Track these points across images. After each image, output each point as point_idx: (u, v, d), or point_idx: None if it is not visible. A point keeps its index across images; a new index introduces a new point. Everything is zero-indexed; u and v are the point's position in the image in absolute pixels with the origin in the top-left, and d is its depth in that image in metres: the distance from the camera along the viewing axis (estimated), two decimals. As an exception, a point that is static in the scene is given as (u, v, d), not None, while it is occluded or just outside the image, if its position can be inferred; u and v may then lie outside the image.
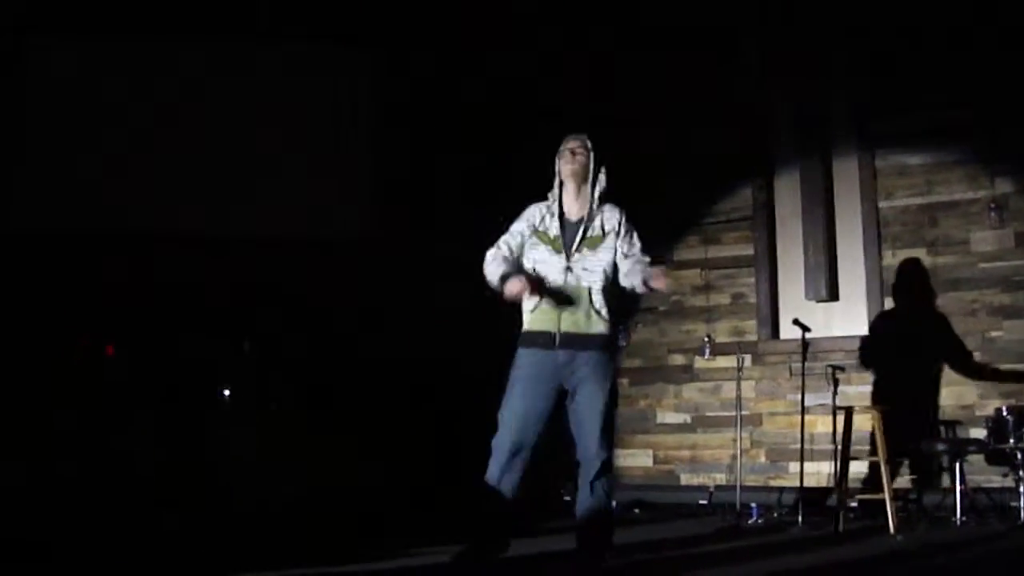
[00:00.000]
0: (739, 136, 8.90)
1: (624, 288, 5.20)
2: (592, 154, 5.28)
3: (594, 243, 5.17)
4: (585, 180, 5.26)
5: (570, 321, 5.07)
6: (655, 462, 8.84)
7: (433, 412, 8.24)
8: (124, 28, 8.59)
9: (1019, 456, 6.74)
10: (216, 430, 8.05)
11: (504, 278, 5.07)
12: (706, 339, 8.71)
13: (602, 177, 5.28)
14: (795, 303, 8.46)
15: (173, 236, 8.30)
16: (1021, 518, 6.58)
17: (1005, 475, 7.01)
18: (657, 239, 8.84)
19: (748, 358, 8.36)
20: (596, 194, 5.26)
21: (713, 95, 8.97)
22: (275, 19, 8.78)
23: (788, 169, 8.74)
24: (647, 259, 5.15)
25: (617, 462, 8.69)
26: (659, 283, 4.96)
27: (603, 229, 5.20)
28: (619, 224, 5.23)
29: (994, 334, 7.85)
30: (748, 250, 8.84)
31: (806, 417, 7.44)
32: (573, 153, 5.25)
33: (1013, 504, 6.72)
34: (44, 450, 7.43)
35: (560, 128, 5.48)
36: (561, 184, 5.31)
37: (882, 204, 8.37)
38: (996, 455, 7.04)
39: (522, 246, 5.28)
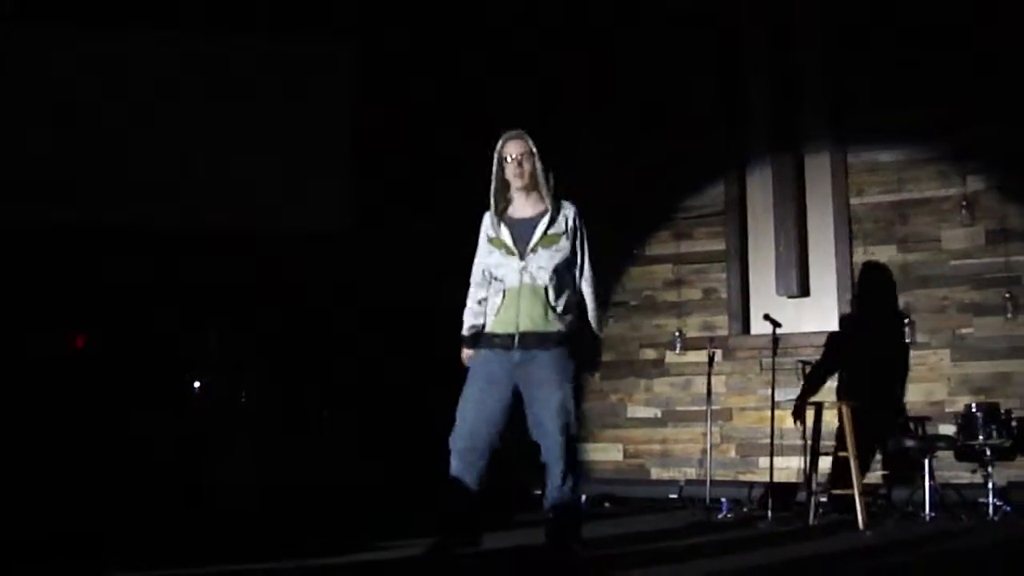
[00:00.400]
0: (712, 131, 8.90)
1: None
2: (537, 154, 5.21)
3: (549, 242, 5.14)
4: (535, 185, 5.22)
5: (528, 320, 5.05)
6: (625, 456, 8.83)
7: (409, 401, 8.21)
8: (99, 20, 8.54)
9: (988, 453, 6.79)
10: (188, 422, 8.01)
11: (465, 340, 5.28)
12: (677, 334, 8.74)
13: (551, 176, 5.23)
14: (766, 298, 8.46)
15: (147, 228, 8.27)
16: (990, 514, 6.62)
17: (974, 471, 7.07)
18: (629, 233, 8.96)
19: (719, 353, 8.34)
20: (546, 194, 5.21)
21: (687, 90, 8.98)
22: (255, 11, 8.76)
23: (760, 165, 8.74)
24: (593, 306, 5.25)
25: (587, 456, 8.77)
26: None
27: (558, 227, 5.18)
28: (572, 222, 5.22)
29: (964, 331, 7.89)
30: (720, 245, 8.84)
31: (776, 412, 7.45)
32: (519, 163, 5.16)
33: (982, 500, 6.77)
34: (18, 445, 7.37)
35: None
36: (507, 186, 5.26)
37: (853, 201, 8.38)
38: (965, 451, 7.10)
39: (486, 254, 5.29)
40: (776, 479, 7.32)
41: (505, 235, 5.18)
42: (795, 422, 7.37)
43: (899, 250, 8.16)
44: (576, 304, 5.19)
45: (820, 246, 8.44)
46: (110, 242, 8.21)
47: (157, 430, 7.88)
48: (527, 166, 5.17)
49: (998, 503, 6.67)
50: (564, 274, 5.15)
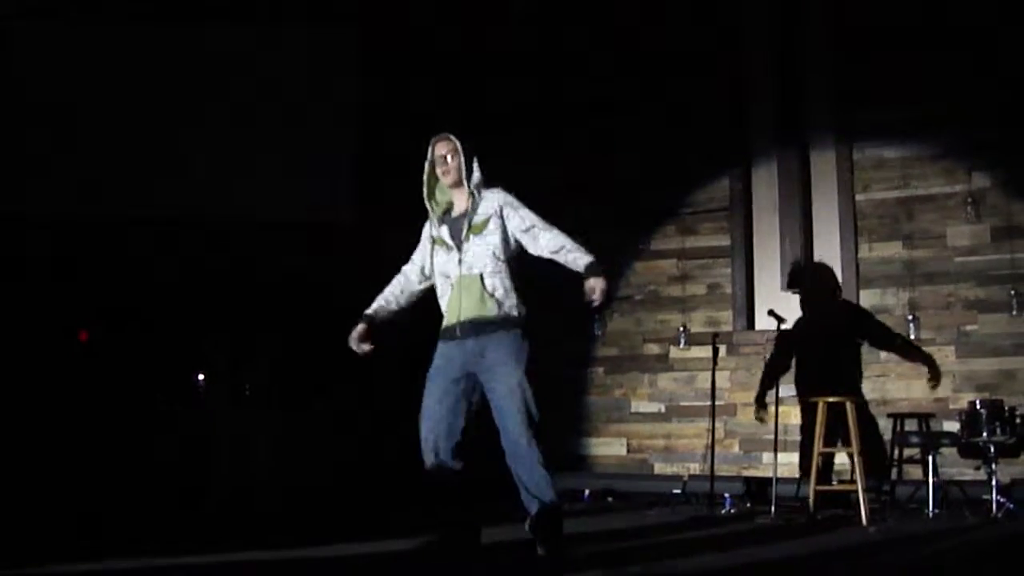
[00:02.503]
0: (717, 127, 8.89)
1: (549, 258, 5.18)
2: (462, 150, 5.26)
3: (478, 229, 5.20)
4: (462, 180, 5.26)
5: (468, 309, 5.12)
6: (629, 451, 8.83)
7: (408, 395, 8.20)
8: (95, 11, 8.54)
9: (991, 450, 6.77)
10: (193, 416, 8.02)
11: (362, 318, 5.52)
12: (681, 329, 8.74)
13: (475, 168, 5.26)
14: (771, 294, 8.45)
15: (147, 220, 8.27)
16: (993, 511, 6.61)
17: (977, 468, 7.04)
18: (634, 228, 8.96)
19: (723, 348, 8.35)
20: (472, 186, 5.25)
21: (692, 86, 8.97)
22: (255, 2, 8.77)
23: (766, 161, 8.74)
24: (571, 245, 5.13)
25: (591, 450, 8.78)
26: (596, 295, 4.97)
27: (484, 214, 5.22)
28: (499, 206, 5.23)
29: (969, 328, 7.88)
30: (725, 241, 8.84)
31: (780, 408, 7.45)
32: (445, 160, 5.24)
33: (985, 497, 6.75)
34: (21, 438, 7.38)
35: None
36: (437, 183, 5.34)
37: (859, 197, 8.38)
38: (969, 448, 7.08)
39: (429, 254, 5.38)
40: (780, 474, 7.31)
41: (444, 233, 5.29)
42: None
43: (904, 246, 8.15)
44: (515, 287, 5.18)
45: (825, 242, 8.43)
46: (110, 236, 8.21)
47: (159, 424, 7.89)
48: (452, 162, 5.25)
49: (1001, 500, 6.65)
50: (498, 258, 5.18)
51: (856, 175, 8.40)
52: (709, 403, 7.79)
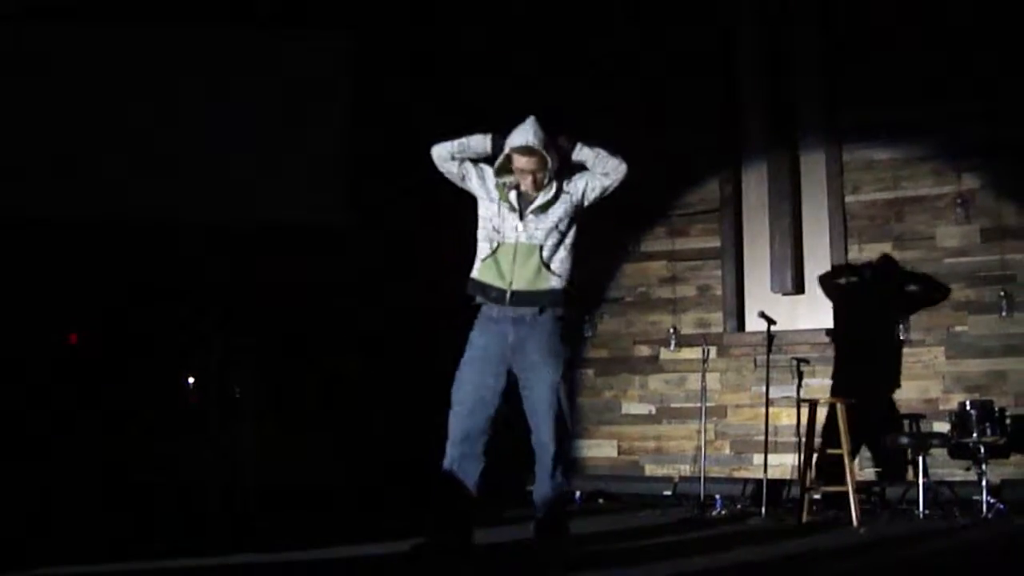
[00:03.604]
0: (707, 129, 8.89)
1: (603, 184, 5.30)
2: (551, 161, 5.19)
3: (547, 206, 5.19)
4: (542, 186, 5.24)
5: (521, 278, 5.10)
6: (620, 453, 8.82)
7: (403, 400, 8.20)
8: (90, 16, 8.53)
9: (982, 450, 6.78)
10: (182, 419, 8.00)
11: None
12: (672, 331, 8.73)
13: (549, 174, 5.23)
14: (761, 296, 8.44)
15: (142, 224, 8.27)
16: (983, 512, 6.61)
17: (968, 469, 7.06)
18: (624, 230, 8.95)
19: (713, 350, 8.35)
20: (552, 184, 5.23)
21: (683, 88, 8.97)
22: (250, 5, 8.75)
23: (755, 162, 8.73)
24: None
25: (581, 452, 8.76)
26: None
27: (552, 196, 5.22)
28: (567, 183, 5.26)
29: (959, 329, 7.88)
30: (715, 242, 8.83)
31: (771, 409, 7.46)
32: (534, 177, 5.16)
33: (975, 498, 6.75)
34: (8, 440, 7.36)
35: (532, 110, 5.39)
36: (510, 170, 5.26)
37: (849, 198, 8.37)
38: (959, 449, 7.11)
39: (472, 175, 5.30)
40: (770, 476, 7.31)
41: (512, 195, 5.21)
42: None
43: (894, 247, 8.15)
44: (569, 264, 5.21)
45: (815, 243, 8.42)
46: (104, 238, 8.19)
47: (150, 427, 7.87)
48: (540, 179, 5.19)
49: (991, 501, 6.67)
50: (561, 230, 5.20)
51: (846, 176, 8.40)
52: (700, 405, 7.79)
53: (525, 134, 5.11)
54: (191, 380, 8.19)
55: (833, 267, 8.30)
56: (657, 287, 8.97)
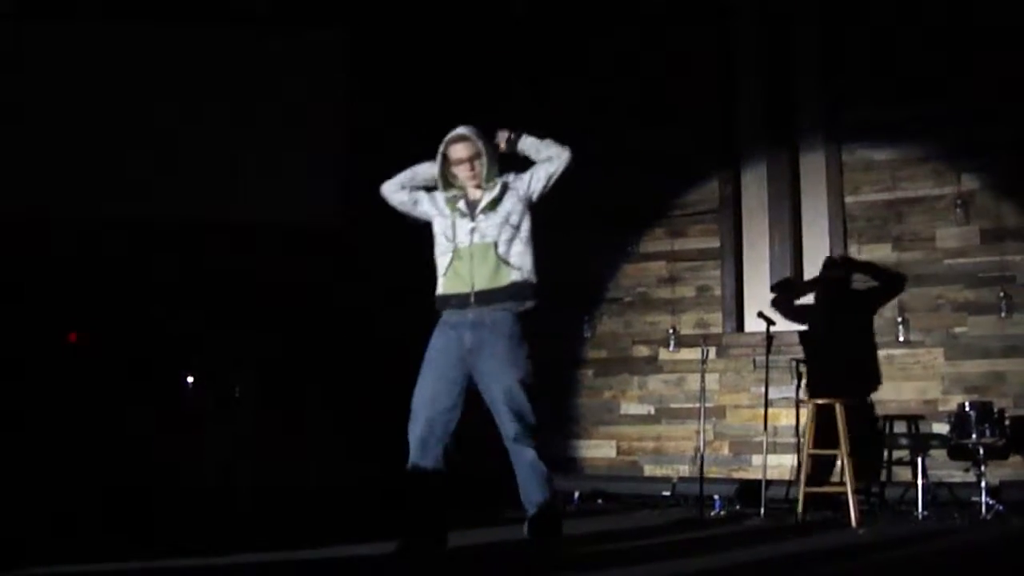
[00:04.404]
0: (707, 129, 8.89)
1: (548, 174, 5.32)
2: (485, 149, 5.26)
3: (495, 203, 5.23)
4: (486, 178, 5.29)
5: (482, 278, 5.12)
6: (619, 453, 8.81)
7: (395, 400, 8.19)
8: (88, 15, 8.53)
9: (981, 451, 6.78)
10: (180, 419, 8.00)
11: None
12: (671, 331, 8.73)
13: (496, 165, 5.30)
14: (760, 296, 8.44)
15: (139, 223, 8.26)
16: (982, 513, 6.61)
17: (967, 470, 7.06)
18: (623, 230, 8.95)
19: (713, 350, 8.35)
20: (496, 181, 5.28)
21: (682, 87, 8.97)
22: (247, 2, 8.75)
23: (755, 163, 8.73)
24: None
25: (580, 453, 8.77)
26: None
27: (499, 192, 5.25)
28: (513, 182, 5.29)
29: (958, 330, 7.87)
30: (714, 243, 8.82)
31: (770, 410, 7.46)
32: (471, 165, 5.24)
33: (974, 499, 6.75)
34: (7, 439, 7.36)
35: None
36: (449, 181, 5.33)
37: (848, 199, 8.36)
38: (958, 450, 7.11)
39: (423, 198, 5.41)
40: (769, 476, 7.31)
41: (460, 203, 5.28)
42: None
43: (894, 248, 8.15)
44: (529, 257, 5.22)
45: (815, 244, 8.42)
46: (102, 237, 8.19)
47: (149, 426, 7.86)
48: (479, 167, 5.25)
49: (991, 502, 6.66)
50: (513, 224, 5.22)
51: (845, 177, 8.39)
52: (699, 405, 7.79)
53: (456, 128, 5.28)
54: (190, 380, 8.18)
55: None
56: (656, 287, 8.97)
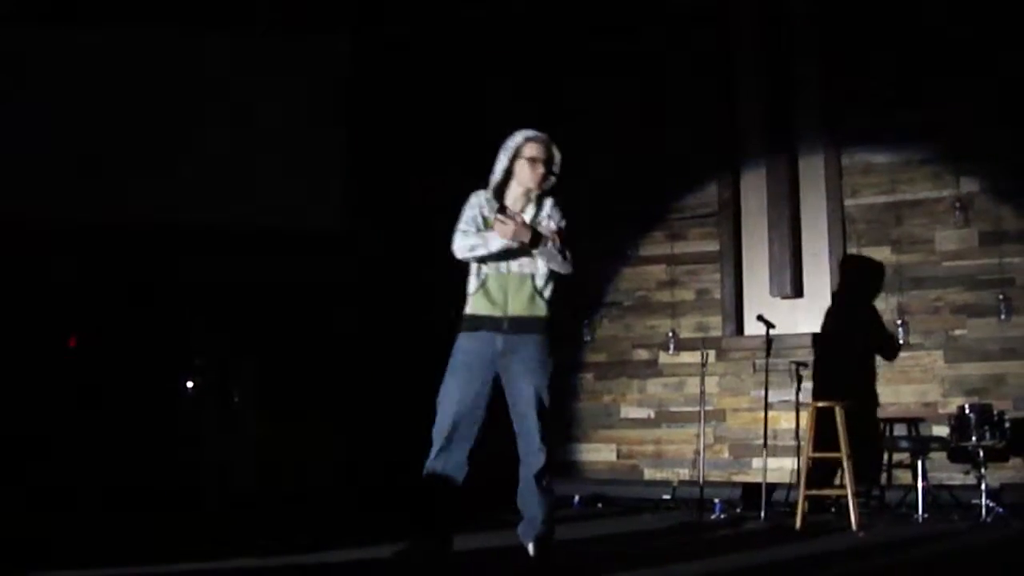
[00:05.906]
0: (706, 131, 8.90)
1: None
2: (555, 162, 5.24)
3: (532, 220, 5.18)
4: (541, 187, 5.25)
5: (517, 305, 5.09)
6: (618, 457, 8.81)
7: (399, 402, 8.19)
8: (88, 18, 8.53)
9: (981, 454, 6.77)
10: (181, 421, 7.99)
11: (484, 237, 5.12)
12: (671, 334, 8.73)
13: (553, 180, 5.26)
14: (760, 299, 8.45)
15: (139, 226, 8.26)
16: (982, 515, 6.61)
17: (967, 473, 7.07)
18: (623, 234, 8.95)
19: (712, 354, 8.35)
20: (544, 196, 5.25)
21: (682, 91, 8.97)
22: (249, 7, 8.76)
23: (754, 166, 8.74)
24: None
25: (580, 456, 8.77)
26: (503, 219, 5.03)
27: (543, 219, 5.21)
28: (547, 214, 5.24)
29: (957, 332, 7.88)
30: (713, 246, 8.83)
31: (770, 413, 7.45)
32: (535, 163, 5.19)
33: (974, 501, 6.75)
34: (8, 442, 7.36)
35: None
36: (508, 178, 5.26)
37: (848, 202, 8.37)
38: (958, 453, 7.11)
39: (482, 228, 5.23)
40: (769, 480, 7.31)
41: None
42: None
43: (893, 251, 8.15)
44: (555, 288, 5.20)
45: (814, 247, 8.43)
46: (101, 240, 8.18)
47: (148, 430, 7.86)
48: (542, 171, 5.21)
49: (991, 504, 6.66)
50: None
51: (845, 180, 8.40)
52: (698, 409, 7.79)
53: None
54: (190, 382, 8.18)
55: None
56: (656, 291, 8.97)
